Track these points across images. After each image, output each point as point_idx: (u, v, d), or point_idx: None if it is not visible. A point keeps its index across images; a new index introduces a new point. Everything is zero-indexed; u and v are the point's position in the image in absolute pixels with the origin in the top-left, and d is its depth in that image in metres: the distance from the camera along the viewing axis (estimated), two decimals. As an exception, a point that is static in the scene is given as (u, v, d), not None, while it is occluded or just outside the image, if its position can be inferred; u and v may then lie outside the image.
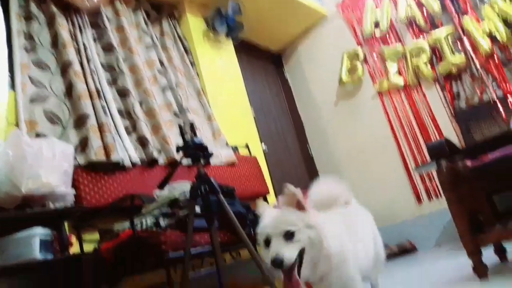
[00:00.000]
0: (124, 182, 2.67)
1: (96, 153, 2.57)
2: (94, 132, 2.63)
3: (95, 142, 2.60)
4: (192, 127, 2.26)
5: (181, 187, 2.52)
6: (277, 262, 1.21)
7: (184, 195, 2.42)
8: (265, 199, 3.63)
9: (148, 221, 2.27)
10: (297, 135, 5.07)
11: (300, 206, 1.32)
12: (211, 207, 2.05)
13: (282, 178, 4.17)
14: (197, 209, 2.11)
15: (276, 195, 3.81)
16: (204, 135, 3.33)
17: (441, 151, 2.30)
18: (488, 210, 2.45)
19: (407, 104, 4.28)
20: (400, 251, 4.06)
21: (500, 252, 2.33)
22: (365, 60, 4.56)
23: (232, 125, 3.77)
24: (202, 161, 2.12)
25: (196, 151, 2.12)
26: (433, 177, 4.05)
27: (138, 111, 3.01)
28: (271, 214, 1.35)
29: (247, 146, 3.84)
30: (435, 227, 4.05)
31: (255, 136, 4.08)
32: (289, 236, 1.26)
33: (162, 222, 2.23)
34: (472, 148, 2.23)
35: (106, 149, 2.63)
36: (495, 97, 3.76)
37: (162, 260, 1.97)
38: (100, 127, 2.68)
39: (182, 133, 2.17)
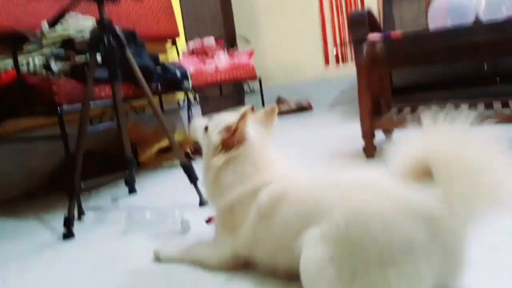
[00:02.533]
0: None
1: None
2: None
3: None
4: None
5: (77, 24, 2.16)
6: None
7: (82, 35, 2.09)
8: (174, 43, 3.36)
9: (37, 61, 1.96)
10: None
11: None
12: (115, 60, 1.81)
13: (195, 21, 3.84)
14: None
15: (186, 40, 3.54)
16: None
17: (361, 22, 2.25)
18: (388, 94, 2.59)
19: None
20: (297, 108, 4.29)
21: (389, 132, 2.56)
22: None
23: None
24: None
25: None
26: (345, 43, 4.09)
27: None
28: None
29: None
30: (334, 90, 4.28)
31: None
32: None
33: (54, 66, 1.94)
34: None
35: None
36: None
37: (54, 112, 1.77)
38: None
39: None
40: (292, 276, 0.95)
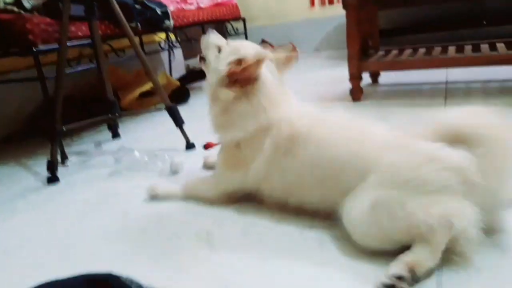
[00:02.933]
0: None
1: None
2: None
3: None
4: None
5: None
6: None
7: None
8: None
9: (6, -4, 1.82)
10: None
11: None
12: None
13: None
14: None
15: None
16: None
17: None
18: (376, 35, 2.54)
19: None
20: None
21: (375, 75, 2.53)
22: None
23: None
24: None
25: None
26: (331, -19, 3.94)
27: None
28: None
29: None
30: (319, 32, 4.17)
31: None
32: None
33: (26, 2, 1.80)
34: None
35: None
36: None
37: (30, 52, 1.66)
38: None
39: None
40: (300, 209, 1.04)
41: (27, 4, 1.79)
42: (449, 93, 2.12)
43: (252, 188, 1.14)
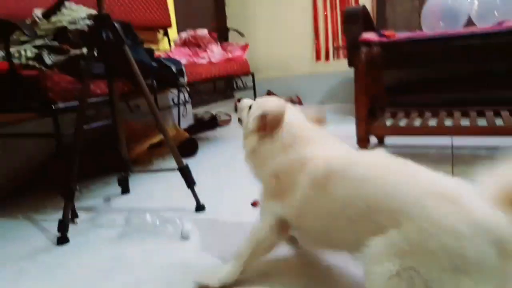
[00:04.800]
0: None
1: None
2: None
3: None
4: None
5: (70, 14, 2.07)
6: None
7: (75, 26, 2.00)
8: (166, 33, 3.27)
9: (29, 53, 1.87)
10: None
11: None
12: (113, 56, 1.75)
13: (187, 14, 3.74)
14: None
15: (178, 30, 3.45)
16: None
17: (356, 18, 2.25)
18: (382, 96, 2.60)
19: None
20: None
21: (381, 136, 2.57)
22: None
23: None
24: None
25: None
26: (338, 37, 4.08)
27: None
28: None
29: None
30: (324, 86, 4.27)
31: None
32: None
33: (47, 59, 1.86)
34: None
35: None
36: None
37: (48, 109, 1.70)
38: None
39: None
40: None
41: (48, 61, 1.84)
42: (455, 159, 2.15)
43: (290, 221, 1.12)
